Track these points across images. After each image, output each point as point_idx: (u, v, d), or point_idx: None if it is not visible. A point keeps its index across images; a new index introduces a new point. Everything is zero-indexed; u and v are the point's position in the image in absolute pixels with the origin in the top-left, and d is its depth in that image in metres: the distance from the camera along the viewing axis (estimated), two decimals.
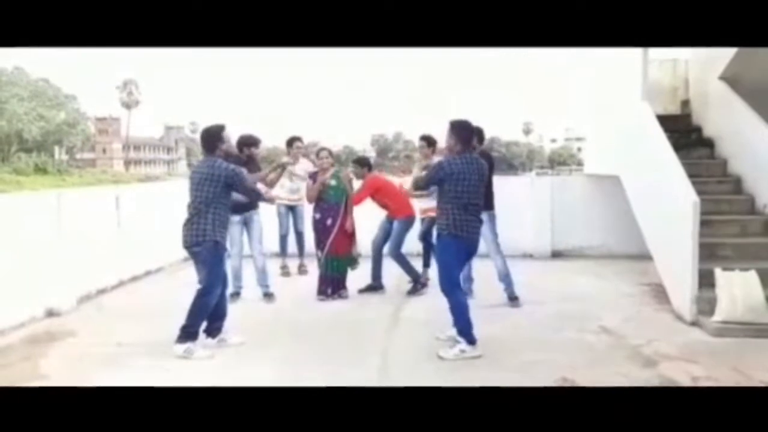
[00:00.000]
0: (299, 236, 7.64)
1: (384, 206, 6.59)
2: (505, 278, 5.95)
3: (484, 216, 5.63)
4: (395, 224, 6.50)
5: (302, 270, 7.57)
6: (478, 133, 5.79)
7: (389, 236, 6.54)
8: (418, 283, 6.48)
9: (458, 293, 4.62)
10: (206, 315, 4.69)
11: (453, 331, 4.78)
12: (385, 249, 6.58)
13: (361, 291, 6.52)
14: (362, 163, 6.70)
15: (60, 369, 4.33)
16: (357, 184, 6.65)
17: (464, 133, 4.64)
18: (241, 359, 4.50)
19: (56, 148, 56.47)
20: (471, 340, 4.50)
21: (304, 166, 7.32)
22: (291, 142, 7.34)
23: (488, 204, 5.77)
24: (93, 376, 4.12)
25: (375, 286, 6.58)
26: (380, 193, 6.52)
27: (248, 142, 6.10)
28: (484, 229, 5.73)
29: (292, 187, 7.39)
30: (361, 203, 6.46)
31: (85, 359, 4.54)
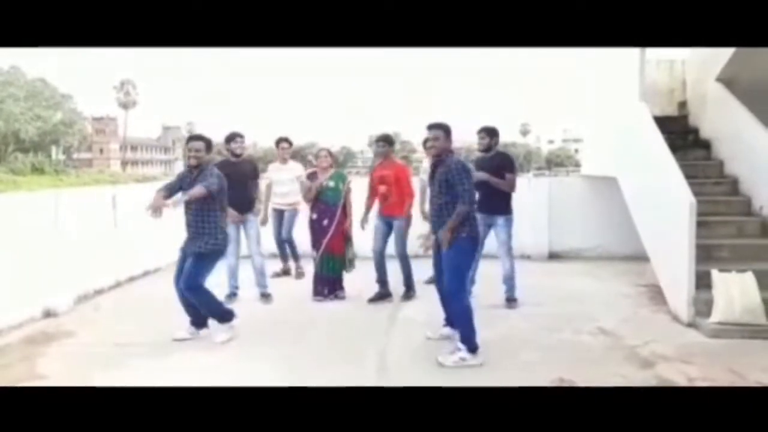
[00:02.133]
0: (289, 243, 7.38)
1: (386, 197, 6.12)
2: (509, 281, 5.95)
3: (502, 219, 5.71)
4: (396, 223, 6.15)
5: (299, 273, 7.41)
6: (493, 133, 5.90)
7: (387, 238, 6.24)
8: (411, 290, 6.28)
9: (466, 297, 4.45)
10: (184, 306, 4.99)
11: (445, 330, 4.78)
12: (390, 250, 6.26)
13: (372, 300, 6.15)
14: (390, 141, 6.41)
15: (58, 369, 4.33)
16: (360, 182, 6.57)
17: (449, 134, 4.60)
18: (240, 360, 4.51)
19: (53, 148, 56.23)
20: (473, 348, 4.31)
21: (291, 167, 7.30)
22: (278, 142, 7.36)
23: (508, 208, 5.84)
24: (91, 376, 4.12)
25: (384, 293, 6.22)
26: (402, 182, 6.17)
27: (227, 139, 6.23)
28: (501, 232, 5.79)
29: (281, 192, 7.22)
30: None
31: (83, 359, 4.54)
